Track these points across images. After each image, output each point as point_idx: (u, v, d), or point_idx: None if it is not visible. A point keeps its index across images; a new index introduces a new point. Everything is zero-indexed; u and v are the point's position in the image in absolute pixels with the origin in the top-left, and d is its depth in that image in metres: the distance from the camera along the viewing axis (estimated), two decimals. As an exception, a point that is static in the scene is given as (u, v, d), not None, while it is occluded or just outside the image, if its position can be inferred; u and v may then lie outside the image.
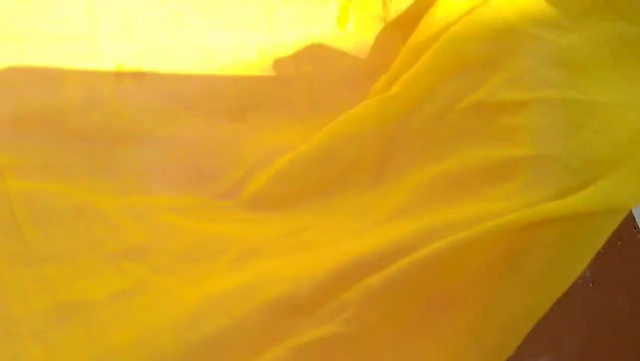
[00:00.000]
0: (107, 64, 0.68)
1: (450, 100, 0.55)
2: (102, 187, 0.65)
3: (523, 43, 0.54)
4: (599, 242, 0.46)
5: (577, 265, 0.47)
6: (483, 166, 0.52)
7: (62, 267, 0.56)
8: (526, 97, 0.52)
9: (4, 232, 0.57)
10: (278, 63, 0.72)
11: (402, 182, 0.57)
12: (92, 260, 0.57)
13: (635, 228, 0.75)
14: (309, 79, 0.72)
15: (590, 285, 0.83)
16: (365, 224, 0.55)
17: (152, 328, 0.49)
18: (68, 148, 0.65)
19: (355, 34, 0.72)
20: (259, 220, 0.63)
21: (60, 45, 0.66)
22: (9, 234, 0.57)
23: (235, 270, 0.54)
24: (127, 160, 0.67)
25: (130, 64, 0.69)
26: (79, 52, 0.67)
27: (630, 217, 0.74)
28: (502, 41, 0.54)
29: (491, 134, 0.53)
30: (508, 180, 0.51)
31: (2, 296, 0.53)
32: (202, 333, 0.47)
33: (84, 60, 0.67)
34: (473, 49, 0.55)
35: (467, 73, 0.55)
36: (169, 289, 0.54)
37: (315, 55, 0.72)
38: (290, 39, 0.72)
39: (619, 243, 0.75)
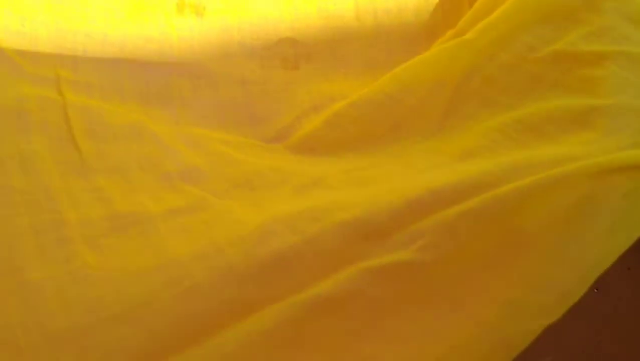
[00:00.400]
0: (170, -7, 0.65)
1: (528, 49, 0.53)
2: (155, 113, 0.62)
3: (608, 0, 0.52)
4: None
5: (648, 216, 0.44)
6: (560, 114, 0.49)
7: (115, 180, 0.52)
8: (607, 49, 0.50)
9: (59, 141, 0.53)
10: (338, 14, 0.70)
11: (469, 128, 0.54)
12: (146, 177, 0.54)
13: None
14: (366, 33, 0.70)
15: (595, 290, 0.81)
16: (433, 164, 0.52)
17: (216, 243, 0.46)
18: (125, 72, 0.62)
19: (418, -8, 0.70)
20: (311, 161, 0.60)
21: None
22: (64, 144, 0.53)
23: (298, 197, 0.51)
24: (181, 92, 0.64)
25: (192, -3, 0.66)
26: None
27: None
28: (586, -4, 0.52)
29: (569, 84, 0.51)
30: (585, 128, 0.48)
31: (54, 202, 0.49)
32: (271, 249, 0.44)
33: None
34: (556, 1, 0.53)
35: (548, 24, 0.53)
36: (229, 210, 0.50)
37: (376, 9, 0.70)
38: (353, -9, 0.70)
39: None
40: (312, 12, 0.69)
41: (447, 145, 0.54)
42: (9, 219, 0.46)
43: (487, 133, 0.52)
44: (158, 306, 0.42)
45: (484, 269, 0.44)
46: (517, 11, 0.54)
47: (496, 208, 0.43)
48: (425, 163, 0.53)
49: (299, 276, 0.43)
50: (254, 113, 0.65)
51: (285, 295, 0.42)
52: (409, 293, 0.43)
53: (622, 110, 0.48)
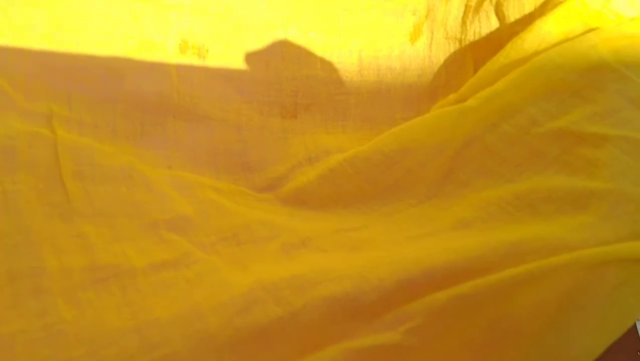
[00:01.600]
0: (173, 34, 0.62)
1: (531, 123, 0.51)
2: (147, 155, 0.59)
3: (614, 81, 0.50)
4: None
5: (638, 308, 0.42)
6: (558, 195, 0.47)
7: (101, 227, 0.49)
8: (609, 132, 0.48)
9: (46, 180, 0.50)
10: (341, 67, 0.67)
11: (465, 196, 0.52)
12: (132, 224, 0.50)
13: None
14: (368, 89, 0.68)
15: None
16: (424, 231, 0.50)
17: (197, 306, 0.43)
18: (120, 110, 0.59)
19: (424, 51, 0.67)
20: (302, 216, 0.57)
21: (128, 6, 0.60)
22: (50, 184, 0.50)
23: (286, 259, 0.48)
24: (176, 134, 0.61)
25: (196, 40, 0.63)
26: (147, 16, 0.61)
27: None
28: (594, 75, 0.50)
29: (569, 163, 0.49)
30: (583, 211, 0.46)
31: (35, 247, 0.46)
32: (253, 320, 0.41)
33: (150, 25, 0.61)
34: (563, 77, 0.51)
35: (552, 99, 0.51)
36: (214, 267, 0.47)
37: (380, 66, 0.68)
38: (357, 46, 0.67)
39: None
40: (315, 63, 0.66)
41: (442, 211, 0.52)
42: (-14, 265, 0.43)
43: (483, 205, 0.50)
44: (132, 372, 0.39)
45: (471, 355, 0.41)
46: (523, 82, 0.52)
47: (487, 294, 0.41)
48: (417, 230, 0.51)
49: (280, 352, 0.40)
50: (247, 161, 0.63)
51: (264, 370, 0.39)
52: (393, 377, 0.40)
53: (621, 196, 0.46)
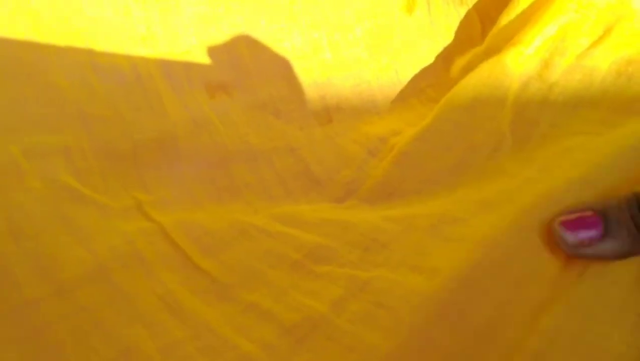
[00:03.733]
0: (198, 80, 0.59)
1: (584, 50, 0.54)
2: (234, 207, 0.55)
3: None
4: None
5: None
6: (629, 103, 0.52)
7: (260, 290, 0.46)
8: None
9: (184, 270, 0.46)
10: (354, 60, 0.67)
11: (543, 135, 0.53)
12: (280, 274, 0.47)
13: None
14: (383, 69, 0.68)
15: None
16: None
17: (421, 333, 0.39)
18: (188, 175, 0.55)
19: (425, 19, 0.69)
20: (403, 203, 0.56)
21: (158, 65, 0.56)
22: (190, 273, 0.46)
23: (451, 241, 0.47)
24: (244, 178, 0.58)
25: (216, 79, 0.60)
26: (175, 71, 0.57)
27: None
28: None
29: (630, 73, 0.53)
30: None
31: (223, 338, 0.42)
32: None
33: (178, 81, 0.57)
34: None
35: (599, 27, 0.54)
36: (393, 282, 0.45)
37: (389, 46, 0.68)
38: (360, 34, 0.67)
39: None
40: (328, 63, 0.66)
41: (528, 157, 0.53)
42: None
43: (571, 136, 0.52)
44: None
45: None
46: (575, 23, 0.55)
47: None
48: (524, 172, 0.51)
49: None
50: (314, 177, 0.61)
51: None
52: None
53: None
